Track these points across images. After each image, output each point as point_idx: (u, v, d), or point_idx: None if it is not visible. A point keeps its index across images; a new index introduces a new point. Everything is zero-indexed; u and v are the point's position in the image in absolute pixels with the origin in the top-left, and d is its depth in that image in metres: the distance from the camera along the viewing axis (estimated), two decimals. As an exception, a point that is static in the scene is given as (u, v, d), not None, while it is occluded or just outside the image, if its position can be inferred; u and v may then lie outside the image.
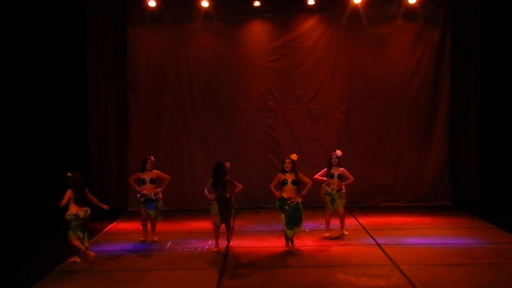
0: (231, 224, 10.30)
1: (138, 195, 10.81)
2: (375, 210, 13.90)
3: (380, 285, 8.04)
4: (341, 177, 10.92)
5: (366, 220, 12.57)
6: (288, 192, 9.75)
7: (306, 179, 9.98)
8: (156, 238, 10.93)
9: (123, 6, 14.28)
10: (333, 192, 10.80)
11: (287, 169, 9.83)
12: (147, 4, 13.96)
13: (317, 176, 11.07)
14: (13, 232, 11.50)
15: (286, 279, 8.40)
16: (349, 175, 11.00)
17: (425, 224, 12.27)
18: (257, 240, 10.94)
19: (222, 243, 10.28)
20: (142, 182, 10.82)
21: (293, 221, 9.76)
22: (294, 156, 9.88)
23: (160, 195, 10.85)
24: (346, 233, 11.13)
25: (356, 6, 14.14)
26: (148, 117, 14.41)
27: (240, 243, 10.64)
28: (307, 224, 11.88)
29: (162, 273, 8.82)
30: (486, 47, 14.18)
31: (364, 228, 11.86)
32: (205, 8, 14.12)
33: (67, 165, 13.89)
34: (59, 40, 13.84)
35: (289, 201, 9.68)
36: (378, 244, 10.34)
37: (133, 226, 12.48)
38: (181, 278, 8.55)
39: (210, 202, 9.99)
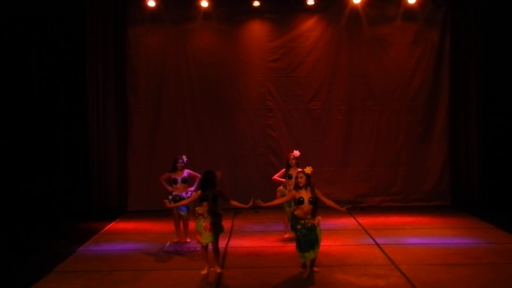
0: (219, 246, 8.96)
1: (170, 196, 10.51)
2: (374, 210, 13.89)
3: (379, 285, 8.05)
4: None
5: (366, 220, 12.56)
6: (302, 212, 8.37)
7: (323, 198, 8.59)
8: (188, 240, 10.73)
9: (123, 6, 14.27)
10: None
11: (301, 185, 8.45)
12: (147, 4, 13.95)
13: (275, 177, 10.98)
14: (13, 232, 11.51)
15: (285, 279, 8.41)
16: None
17: (424, 224, 12.27)
18: (257, 240, 10.95)
19: (211, 264, 8.88)
20: (173, 181, 10.65)
21: (308, 243, 8.33)
22: (308, 169, 8.53)
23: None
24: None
25: (355, 6, 14.14)
26: (147, 117, 14.40)
27: (239, 243, 10.66)
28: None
29: (161, 273, 8.83)
30: (486, 47, 14.17)
31: (363, 228, 11.86)
32: (205, 8, 14.12)
33: (67, 165, 14.01)
34: (59, 40, 13.84)
35: (303, 221, 8.34)
36: (378, 244, 10.35)
37: (133, 226, 12.51)
38: (180, 278, 8.55)
39: (197, 216, 8.79)
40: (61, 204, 13.69)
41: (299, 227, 8.37)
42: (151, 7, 14.01)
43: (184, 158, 10.81)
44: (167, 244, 10.62)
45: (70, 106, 14.10)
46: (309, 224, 8.32)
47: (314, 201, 8.39)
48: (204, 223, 8.66)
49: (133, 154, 14.35)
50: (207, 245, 8.74)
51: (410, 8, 14.20)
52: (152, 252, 10.11)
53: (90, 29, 14.22)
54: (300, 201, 8.38)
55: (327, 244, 10.35)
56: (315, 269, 8.67)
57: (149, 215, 13.34)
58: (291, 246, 10.16)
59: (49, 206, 13.54)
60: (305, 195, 8.40)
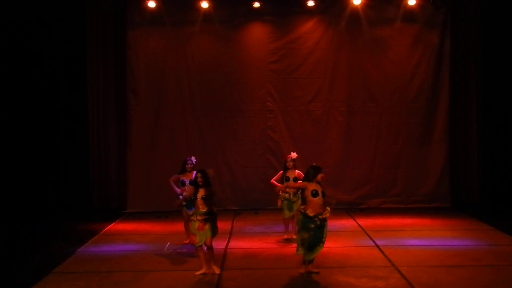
0: (211, 244, 8.74)
1: (180, 197, 10.34)
2: (374, 211, 13.89)
3: (379, 286, 8.04)
4: (297, 179, 10.50)
5: (366, 222, 12.57)
6: (316, 206, 8.38)
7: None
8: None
9: (123, 7, 14.28)
10: (291, 197, 10.56)
11: (319, 179, 8.54)
12: (147, 6, 13.95)
13: (273, 180, 10.97)
14: (13, 233, 11.50)
15: (285, 281, 8.40)
16: None
17: (424, 225, 12.27)
18: (256, 241, 10.95)
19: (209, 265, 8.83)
20: (182, 183, 10.50)
21: (317, 240, 8.44)
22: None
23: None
24: (295, 237, 10.44)
25: (355, 8, 14.15)
26: (147, 118, 14.41)
27: (239, 244, 10.65)
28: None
29: (161, 274, 8.83)
30: (486, 49, 14.19)
31: (363, 229, 11.86)
32: (205, 9, 14.12)
33: (67, 166, 14.00)
34: (59, 42, 13.83)
35: (316, 219, 8.36)
36: (377, 246, 10.34)
37: (132, 226, 12.50)
38: (180, 279, 8.55)
39: (190, 218, 8.89)
40: (61, 205, 13.67)
41: (312, 225, 8.35)
42: (151, 9, 14.01)
43: (193, 159, 10.65)
44: (167, 245, 10.60)
45: (70, 107, 14.09)
46: (321, 219, 8.37)
47: (324, 194, 8.53)
48: (197, 223, 8.61)
49: (133, 155, 14.35)
50: (201, 246, 8.70)
51: (410, 10, 14.22)
52: (152, 253, 10.10)
53: (90, 30, 14.24)
54: (315, 194, 8.41)
55: (327, 246, 10.26)
56: (315, 270, 8.65)
57: (149, 216, 13.34)
58: (291, 248, 10.18)
59: (49, 207, 13.53)
60: (319, 188, 8.49)
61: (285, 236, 10.88)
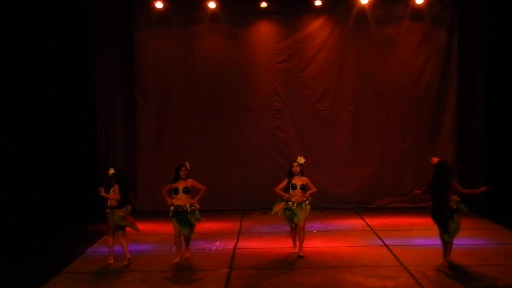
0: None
1: (172, 207, 9.54)
2: (382, 211, 13.88)
3: (388, 286, 8.05)
4: (304, 187, 9.65)
5: (374, 221, 12.55)
6: None
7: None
8: (189, 255, 9.84)
9: (130, 9, 14.31)
10: (294, 206, 9.56)
11: None
12: (154, 6, 13.98)
13: (277, 189, 9.87)
14: (21, 234, 11.54)
15: (293, 280, 8.42)
16: (312, 186, 9.77)
17: (432, 225, 12.03)
18: (265, 241, 10.95)
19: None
20: (174, 192, 9.59)
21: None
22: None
23: (197, 206, 9.58)
24: (301, 254, 9.66)
25: (363, 7, 14.13)
26: (155, 119, 14.45)
27: (247, 244, 10.67)
28: (315, 225, 11.91)
29: (170, 274, 8.86)
30: (493, 47, 14.12)
31: (371, 229, 11.85)
32: (212, 9, 14.13)
33: (75, 167, 14.03)
34: (67, 43, 13.84)
35: None
36: (386, 245, 10.34)
37: (141, 227, 12.22)
38: (188, 278, 8.58)
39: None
40: (70, 206, 13.70)
41: None
42: (159, 9, 14.04)
43: (187, 165, 9.70)
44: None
45: (79, 108, 14.11)
46: None
47: None
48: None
49: (141, 155, 14.40)
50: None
51: (417, 9, 14.19)
52: (161, 253, 10.13)
53: (97, 32, 14.22)
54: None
55: (335, 245, 10.37)
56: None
57: (157, 216, 13.32)
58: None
59: (58, 208, 13.57)
60: None
61: (294, 250, 9.89)
